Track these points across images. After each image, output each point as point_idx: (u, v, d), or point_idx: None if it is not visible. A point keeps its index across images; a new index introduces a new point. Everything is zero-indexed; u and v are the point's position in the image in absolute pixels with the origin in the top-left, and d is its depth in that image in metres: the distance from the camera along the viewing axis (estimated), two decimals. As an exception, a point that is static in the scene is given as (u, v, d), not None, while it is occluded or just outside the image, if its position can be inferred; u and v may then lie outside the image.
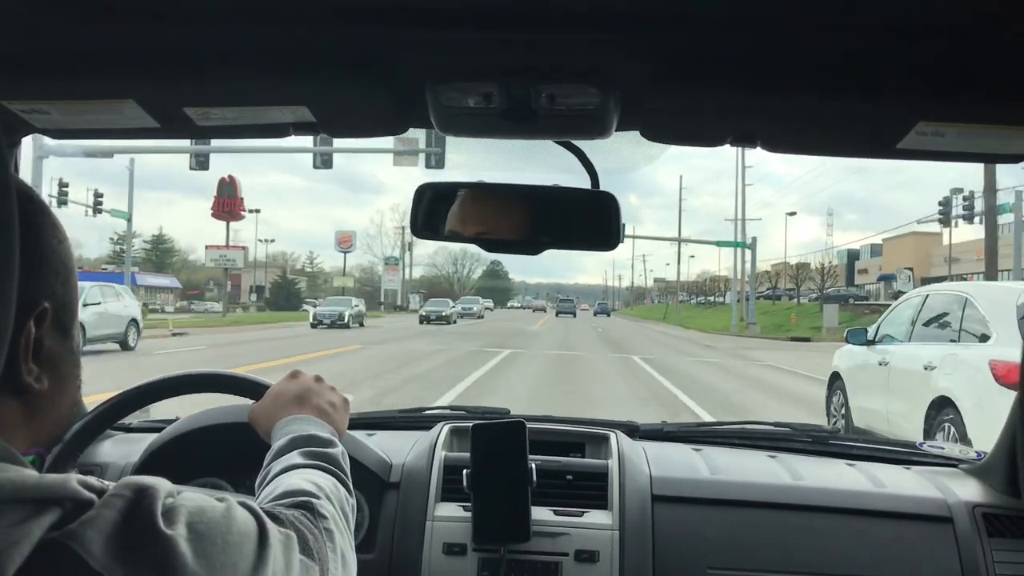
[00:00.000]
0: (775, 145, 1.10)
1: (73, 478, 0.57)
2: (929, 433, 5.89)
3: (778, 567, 1.43)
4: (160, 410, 1.67)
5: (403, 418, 1.93)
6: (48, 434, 0.67)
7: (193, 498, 0.62)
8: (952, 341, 6.13)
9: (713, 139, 1.08)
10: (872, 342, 7.41)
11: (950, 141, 1.03)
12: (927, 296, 7.07)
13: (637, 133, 1.09)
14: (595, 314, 76.56)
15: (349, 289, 65.98)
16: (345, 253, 68.73)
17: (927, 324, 6.70)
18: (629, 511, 1.48)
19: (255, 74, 0.99)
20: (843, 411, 7.76)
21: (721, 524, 1.48)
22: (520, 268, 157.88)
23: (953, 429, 5.61)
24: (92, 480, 0.59)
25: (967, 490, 1.55)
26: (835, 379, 8.12)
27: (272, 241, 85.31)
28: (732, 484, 1.55)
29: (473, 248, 1.24)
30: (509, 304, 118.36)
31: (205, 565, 0.58)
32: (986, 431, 5.09)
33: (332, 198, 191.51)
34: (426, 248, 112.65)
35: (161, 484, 0.61)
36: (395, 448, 1.61)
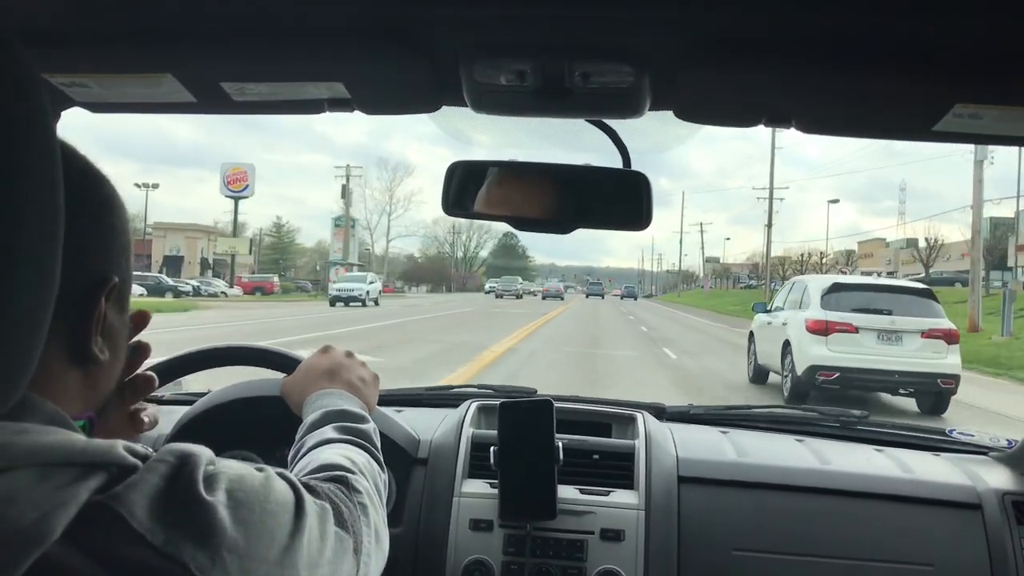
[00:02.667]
0: (809, 126, 1.08)
1: (119, 443, 0.58)
2: (783, 363, 10.35)
3: (804, 550, 1.43)
4: (192, 383, 1.75)
5: (431, 396, 1.93)
6: (100, 401, 0.69)
7: (233, 466, 0.64)
8: (796, 308, 10.60)
9: (748, 119, 1.07)
10: (769, 311, 11.88)
11: (988, 124, 1.00)
12: (795, 282, 11.72)
13: (670, 113, 1.08)
14: (622, 298, 71.79)
15: (244, 259, 50.89)
16: (236, 198, 51.23)
17: (791, 299, 11.19)
18: (655, 491, 1.48)
19: (292, 49, 0.98)
20: (753, 354, 12.27)
21: (747, 506, 1.48)
22: (549, 250, 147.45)
23: (790, 358, 10.08)
24: (137, 446, 0.60)
25: (996, 477, 1.54)
26: (751, 336, 12.62)
27: (156, 186, 58.55)
28: (759, 467, 1.55)
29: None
30: (488, 287, 71.68)
31: (243, 532, 0.59)
32: (801, 357, 9.69)
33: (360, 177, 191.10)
34: (421, 215, 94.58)
35: (203, 451, 0.62)
36: (423, 425, 1.62)
